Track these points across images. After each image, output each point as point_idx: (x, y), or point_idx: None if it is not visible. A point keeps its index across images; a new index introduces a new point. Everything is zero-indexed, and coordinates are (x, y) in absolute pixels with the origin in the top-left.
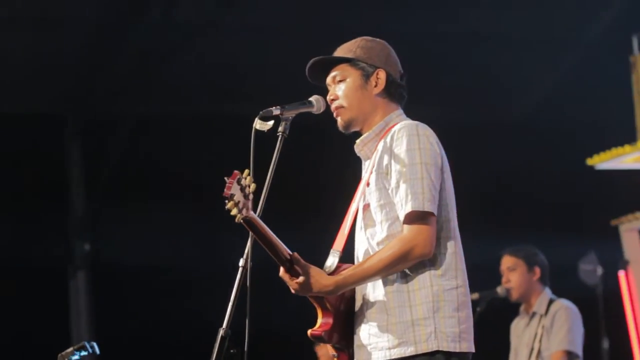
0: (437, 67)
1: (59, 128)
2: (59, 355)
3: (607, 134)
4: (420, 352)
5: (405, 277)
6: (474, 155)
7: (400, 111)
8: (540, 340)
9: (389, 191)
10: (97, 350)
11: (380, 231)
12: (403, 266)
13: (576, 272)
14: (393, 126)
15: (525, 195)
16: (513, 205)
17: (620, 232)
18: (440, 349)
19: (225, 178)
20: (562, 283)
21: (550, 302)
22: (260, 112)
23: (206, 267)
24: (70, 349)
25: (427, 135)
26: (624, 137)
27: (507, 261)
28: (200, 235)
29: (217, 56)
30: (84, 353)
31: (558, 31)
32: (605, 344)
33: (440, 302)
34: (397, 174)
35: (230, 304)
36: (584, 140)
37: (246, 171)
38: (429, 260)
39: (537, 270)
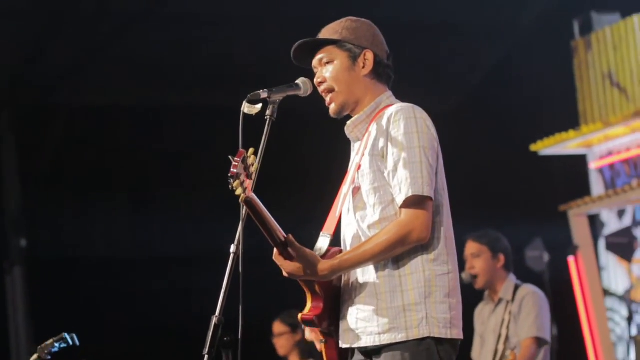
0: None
1: None
2: (39, 347)
3: (549, 120)
4: (411, 337)
5: (397, 262)
6: None
7: (389, 93)
8: (507, 327)
9: (384, 174)
10: (77, 342)
11: (372, 214)
12: (400, 250)
13: (523, 259)
14: (385, 108)
15: (470, 183)
16: (459, 192)
17: (570, 217)
18: (432, 335)
19: (230, 157)
20: None
21: (516, 287)
22: (248, 96)
23: (144, 259)
24: (50, 340)
25: (424, 118)
26: (568, 123)
27: (471, 247)
28: (136, 226)
29: (151, 46)
30: (63, 345)
31: (499, 16)
32: (554, 330)
33: (432, 287)
34: (394, 157)
35: (223, 291)
36: (527, 126)
37: (251, 150)
38: (420, 246)
39: (502, 257)
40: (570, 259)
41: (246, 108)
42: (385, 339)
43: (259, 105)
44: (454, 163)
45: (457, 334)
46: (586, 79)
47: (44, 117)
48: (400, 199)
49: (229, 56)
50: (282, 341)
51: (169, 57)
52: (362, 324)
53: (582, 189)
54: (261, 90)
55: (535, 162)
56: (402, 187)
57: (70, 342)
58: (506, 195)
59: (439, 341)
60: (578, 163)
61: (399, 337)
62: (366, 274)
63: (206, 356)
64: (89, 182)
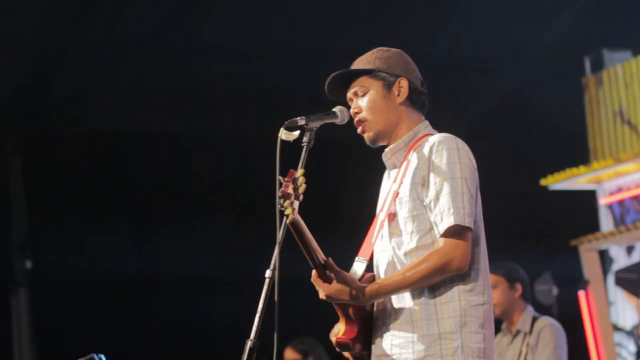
0: None
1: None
2: None
3: (560, 155)
4: None
5: (433, 290)
6: None
7: (427, 122)
8: (525, 359)
9: (424, 203)
10: None
11: (409, 241)
12: (438, 279)
13: (532, 292)
14: (423, 136)
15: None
16: None
17: (580, 252)
18: None
19: (280, 177)
20: None
21: (534, 319)
22: (286, 122)
23: (147, 281)
24: None
25: (466, 150)
26: (578, 158)
27: None
28: (141, 248)
29: (156, 72)
30: None
31: (511, 50)
32: None
33: (467, 317)
34: (437, 187)
35: (258, 315)
36: (537, 161)
37: (301, 171)
38: (457, 275)
39: (519, 286)
40: (581, 294)
41: (284, 135)
42: None
43: (297, 132)
44: None
45: None
46: (597, 115)
47: (49, 141)
48: (441, 228)
49: (230, 82)
50: None
51: (173, 82)
52: (397, 350)
53: (591, 224)
54: (299, 117)
55: (545, 197)
56: (443, 217)
57: None
58: (515, 229)
59: None
60: (588, 198)
61: None
62: (401, 301)
63: None
64: (94, 205)
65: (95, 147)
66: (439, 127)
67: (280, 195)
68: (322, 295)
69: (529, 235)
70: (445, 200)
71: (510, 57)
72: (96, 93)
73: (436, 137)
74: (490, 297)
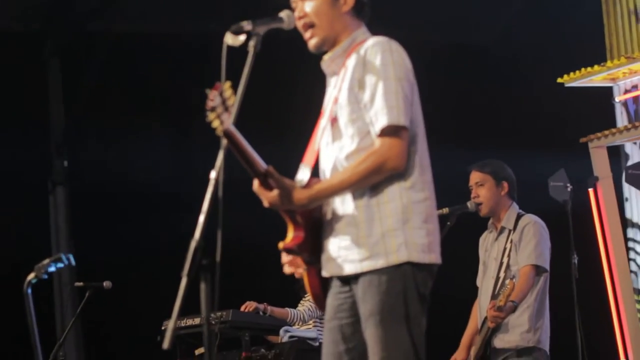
0: None
1: (38, 46)
2: (35, 266)
3: (577, 54)
4: (391, 263)
5: (374, 191)
6: (443, 74)
7: (364, 28)
8: (508, 255)
9: (361, 105)
10: (73, 262)
11: (350, 144)
12: (376, 179)
13: (546, 189)
14: (360, 42)
15: (495, 115)
16: (484, 124)
17: (590, 149)
18: (410, 259)
19: (207, 90)
20: (533, 199)
21: (519, 217)
22: (232, 27)
23: (186, 185)
24: (47, 260)
25: (399, 51)
26: (595, 57)
27: (475, 177)
28: (179, 152)
29: None
30: (60, 265)
31: None
32: (575, 258)
33: (409, 213)
34: (371, 88)
35: (202, 215)
36: (554, 60)
37: (227, 83)
38: (397, 174)
39: (505, 184)
40: (590, 190)
41: (230, 39)
42: (366, 266)
43: (243, 37)
44: (484, 95)
45: (435, 258)
46: (612, 14)
47: (87, 41)
48: (377, 128)
49: None
50: None
51: None
52: (344, 252)
53: (608, 122)
54: (245, 22)
55: (563, 95)
56: (378, 117)
57: (66, 262)
58: (533, 127)
59: (417, 267)
60: (605, 96)
61: (379, 263)
62: (345, 204)
63: (184, 277)
64: (132, 107)
65: (134, 50)
66: (459, 31)
67: (205, 108)
68: (265, 204)
69: (547, 133)
70: (379, 100)
71: None
72: None
73: (370, 41)
74: (432, 193)
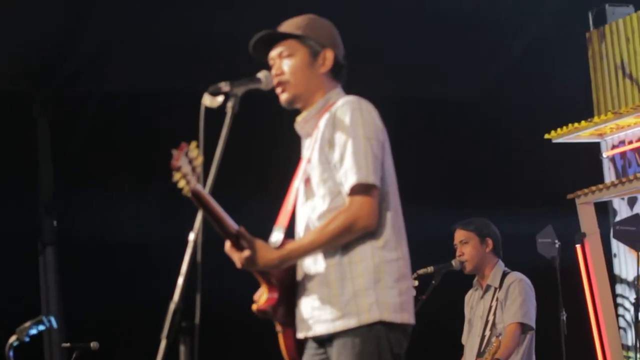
0: (391, 46)
1: (27, 106)
2: (17, 329)
3: (564, 110)
4: (363, 322)
5: (346, 249)
6: (430, 130)
7: (339, 89)
8: (494, 313)
9: (332, 165)
10: (55, 324)
11: (322, 204)
12: (347, 238)
13: (534, 245)
14: (333, 104)
15: (483, 171)
16: (472, 181)
17: (577, 205)
18: (382, 319)
19: (173, 151)
20: (521, 255)
21: (504, 274)
22: (209, 88)
23: (175, 244)
24: (28, 323)
25: (369, 110)
26: (582, 113)
27: (459, 235)
28: (169, 212)
29: (181, 32)
30: (41, 327)
31: (514, 8)
32: (564, 315)
33: (381, 273)
34: (340, 147)
35: (181, 278)
36: (541, 116)
37: (193, 143)
38: (370, 233)
39: (490, 241)
40: (578, 247)
41: (207, 100)
42: (339, 326)
43: (221, 98)
44: (470, 151)
45: (408, 318)
46: (599, 69)
47: (76, 101)
48: (347, 187)
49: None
50: None
51: (199, 42)
52: (317, 312)
53: (595, 177)
54: (222, 83)
55: (550, 151)
56: (348, 176)
57: (48, 325)
58: (520, 182)
59: (389, 327)
60: (592, 152)
61: (351, 323)
62: (317, 264)
63: (163, 340)
64: (120, 166)
65: (122, 108)
66: (448, 85)
67: (170, 168)
68: (238, 265)
69: (535, 189)
70: (348, 160)
71: (519, 14)
72: (123, 52)
73: (340, 101)
74: (405, 252)
